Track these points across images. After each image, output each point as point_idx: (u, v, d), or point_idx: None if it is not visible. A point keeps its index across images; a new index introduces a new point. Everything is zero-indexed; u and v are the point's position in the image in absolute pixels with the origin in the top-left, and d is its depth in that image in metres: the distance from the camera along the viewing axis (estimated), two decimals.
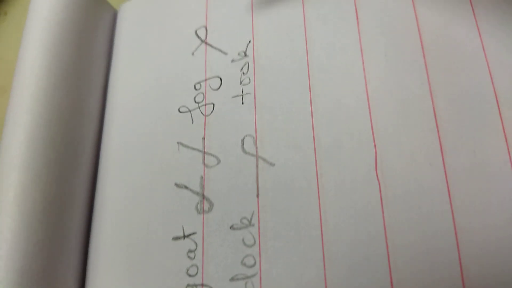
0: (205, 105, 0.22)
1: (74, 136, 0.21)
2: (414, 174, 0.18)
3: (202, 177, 0.20)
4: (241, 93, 0.21)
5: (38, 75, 0.20)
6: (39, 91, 0.20)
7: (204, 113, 0.21)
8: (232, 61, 0.22)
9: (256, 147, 0.20)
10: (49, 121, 0.20)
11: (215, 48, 0.23)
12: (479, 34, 0.20)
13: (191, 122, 0.21)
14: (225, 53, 0.22)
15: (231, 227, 0.19)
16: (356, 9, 0.21)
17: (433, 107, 0.19)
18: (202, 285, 0.19)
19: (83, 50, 0.22)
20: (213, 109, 0.21)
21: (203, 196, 0.20)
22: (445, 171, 0.18)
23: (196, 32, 0.23)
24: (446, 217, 0.17)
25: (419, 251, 0.17)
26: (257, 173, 0.20)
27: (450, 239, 0.17)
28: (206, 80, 0.22)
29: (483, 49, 0.19)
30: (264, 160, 0.20)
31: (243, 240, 0.19)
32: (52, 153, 0.20)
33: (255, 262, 0.19)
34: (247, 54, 0.22)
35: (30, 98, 0.20)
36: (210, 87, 0.22)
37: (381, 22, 0.21)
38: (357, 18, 0.21)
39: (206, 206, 0.20)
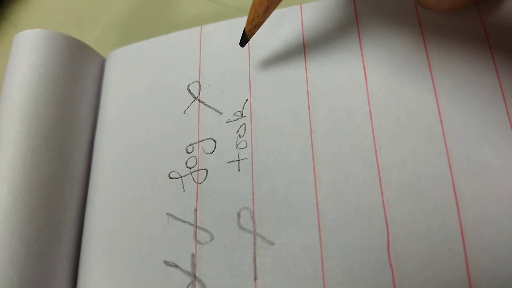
0: (198, 171, 0.20)
1: (56, 205, 0.19)
2: (431, 260, 0.16)
3: (193, 255, 0.18)
4: (237, 158, 0.19)
5: (16, 142, 0.19)
6: (16, 160, 0.18)
7: (196, 181, 0.19)
8: (228, 121, 0.20)
9: (254, 223, 0.18)
10: (29, 188, 0.19)
11: (208, 106, 0.21)
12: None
13: (182, 190, 0.19)
14: (220, 113, 0.20)
15: None
16: (364, 67, 0.19)
17: (452, 181, 0.17)
18: None
19: (66, 106, 0.21)
20: (206, 175, 0.19)
21: (195, 277, 0.18)
22: (465, 257, 0.16)
23: (188, 87, 0.21)
24: None
25: None
26: (254, 253, 0.18)
27: None
28: (199, 142, 0.20)
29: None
30: (263, 238, 0.18)
31: None
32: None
33: None
34: (243, 114, 0.20)
35: (7, 165, 0.19)
36: (203, 150, 0.20)
37: (392, 84, 0.19)
38: (365, 77, 0.19)
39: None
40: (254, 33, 0.20)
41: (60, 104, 0.21)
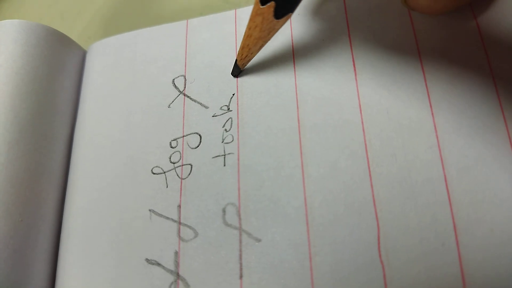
0: (182, 166, 0.19)
1: (32, 200, 0.19)
2: (423, 255, 0.15)
3: (176, 253, 0.17)
4: (223, 153, 0.19)
5: None
6: None
7: (180, 176, 0.19)
8: (214, 116, 0.19)
9: (240, 218, 0.17)
10: (4, 183, 0.18)
11: (194, 100, 0.20)
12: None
13: (165, 186, 0.19)
14: (206, 107, 0.20)
15: None
16: (353, 60, 0.19)
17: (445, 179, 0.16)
18: None
19: (44, 99, 0.20)
20: (190, 171, 0.19)
21: (178, 275, 0.17)
22: (459, 253, 0.15)
23: (173, 81, 0.21)
24: None
25: None
26: (240, 250, 0.17)
27: None
28: (183, 136, 0.19)
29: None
30: (249, 234, 0.17)
31: None
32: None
33: None
34: (230, 108, 0.19)
35: None
36: (188, 145, 0.19)
37: (380, 79, 0.18)
38: (355, 70, 0.18)
39: (181, 287, 0.17)
40: (246, 64, 0.20)
41: (38, 97, 0.20)
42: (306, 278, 0.16)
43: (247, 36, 0.18)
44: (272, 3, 0.16)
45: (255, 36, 0.18)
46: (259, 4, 0.17)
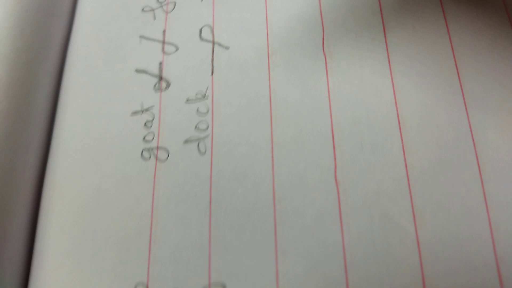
0: (167, 4, 0.23)
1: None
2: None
3: (161, 63, 0.22)
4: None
5: None
6: None
7: (166, 10, 0.23)
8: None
9: (213, 35, 0.22)
10: None
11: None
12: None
13: (153, 19, 0.23)
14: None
15: (187, 100, 0.21)
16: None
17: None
18: (157, 148, 0.20)
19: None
20: (174, 7, 0.23)
21: (161, 77, 0.21)
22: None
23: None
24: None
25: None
26: (212, 55, 0.21)
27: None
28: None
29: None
30: (220, 44, 0.22)
31: (197, 109, 0.20)
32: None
33: (208, 126, 0.20)
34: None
35: None
36: None
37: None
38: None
39: (164, 85, 0.21)
40: None
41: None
42: (264, 70, 0.21)
43: None
44: None
45: None
46: None
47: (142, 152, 0.20)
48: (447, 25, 0.20)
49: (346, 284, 0.17)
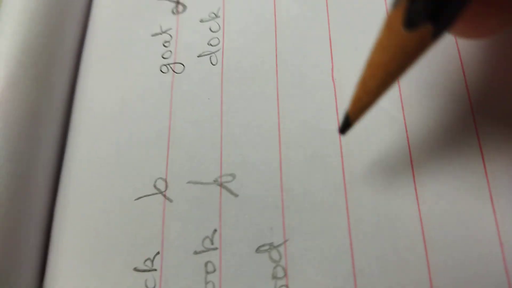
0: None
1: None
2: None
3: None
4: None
5: None
6: None
7: None
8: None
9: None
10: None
11: None
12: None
13: None
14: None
15: (201, 21, 0.23)
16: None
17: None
18: (174, 62, 0.22)
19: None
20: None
21: (178, 2, 0.23)
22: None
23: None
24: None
25: None
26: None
27: None
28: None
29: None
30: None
31: (210, 28, 0.22)
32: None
33: (219, 42, 0.22)
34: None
35: None
36: None
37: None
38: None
39: (181, 9, 0.23)
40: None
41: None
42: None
43: (371, 76, 0.12)
44: (429, 27, 0.11)
45: (389, 72, 0.12)
46: (402, 27, 0.11)
47: (161, 67, 0.22)
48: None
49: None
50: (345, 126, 0.14)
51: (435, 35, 0.11)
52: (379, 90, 0.12)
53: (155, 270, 0.18)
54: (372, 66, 0.12)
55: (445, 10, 0.11)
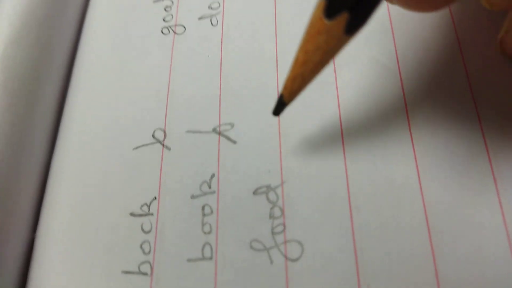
0: None
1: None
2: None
3: None
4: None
5: None
6: None
7: None
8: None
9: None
10: None
11: None
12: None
13: None
14: None
15: None
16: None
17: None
18: (176, 25, 0.23)
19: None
20: None
21: None
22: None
23: None
24: None
25: None
26: None
27: None
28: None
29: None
30: None
31: None
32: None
33: (219, 5, 0.23)
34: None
35: None
36: None
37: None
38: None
39: None
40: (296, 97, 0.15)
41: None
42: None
43: (303, 62, 0.14)
44: (344, 15, 0.12)
45: (316, 62, 0.14)
46: (324, 18, 0.13)
47: (162, 29, 0.23)
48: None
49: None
50: (279, 109, 0.16)
51: (352, 25, 0.12)
52: (311, 79, 0.14)
53: (152, 214, 0.18)
54: (308, 64, 0.14)
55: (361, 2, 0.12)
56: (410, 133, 0.18)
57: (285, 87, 0.15)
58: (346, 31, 0.13)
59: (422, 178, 0.17)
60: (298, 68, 0.14)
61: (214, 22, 0.22)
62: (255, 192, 0.18)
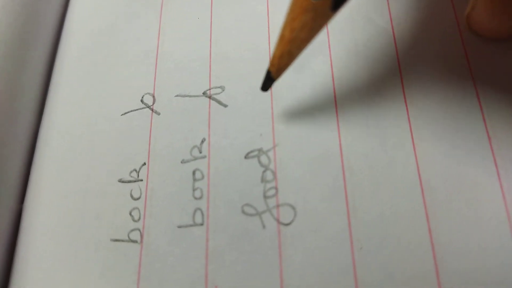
0: None
1: None
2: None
3: None
4: None
5: None
6: None
7: None
8: None
9: None
10: None
11: None
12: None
13: None
14: None
15: None
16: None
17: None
18: None
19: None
20: None
21: None
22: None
23: None
24: None
25: None
26: None
27: None
28: None
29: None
30: None
31: None
32: None
33: None
34: None
35: None
36: None
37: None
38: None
39: None
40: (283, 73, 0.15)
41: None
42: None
43: (289, 40, 0.14)
44: None
45: (302, 38, 0.14)
46: None
47: None
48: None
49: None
50: (268, 85, 0.16)
51: (338, 1, 0.13)
52: (297, 55, 0.14)
53: (141, 180, 0.18)
54: (295, 41, 0.14)
55: None
56: (404, 93, 0.18)
57: (272, 64, 0.15)
58: (332, 8, 0.13)
59: (415, 138, 0.17)
60: (285, 45, 0.14)
61: None
62: (246, 156, 0.17)
